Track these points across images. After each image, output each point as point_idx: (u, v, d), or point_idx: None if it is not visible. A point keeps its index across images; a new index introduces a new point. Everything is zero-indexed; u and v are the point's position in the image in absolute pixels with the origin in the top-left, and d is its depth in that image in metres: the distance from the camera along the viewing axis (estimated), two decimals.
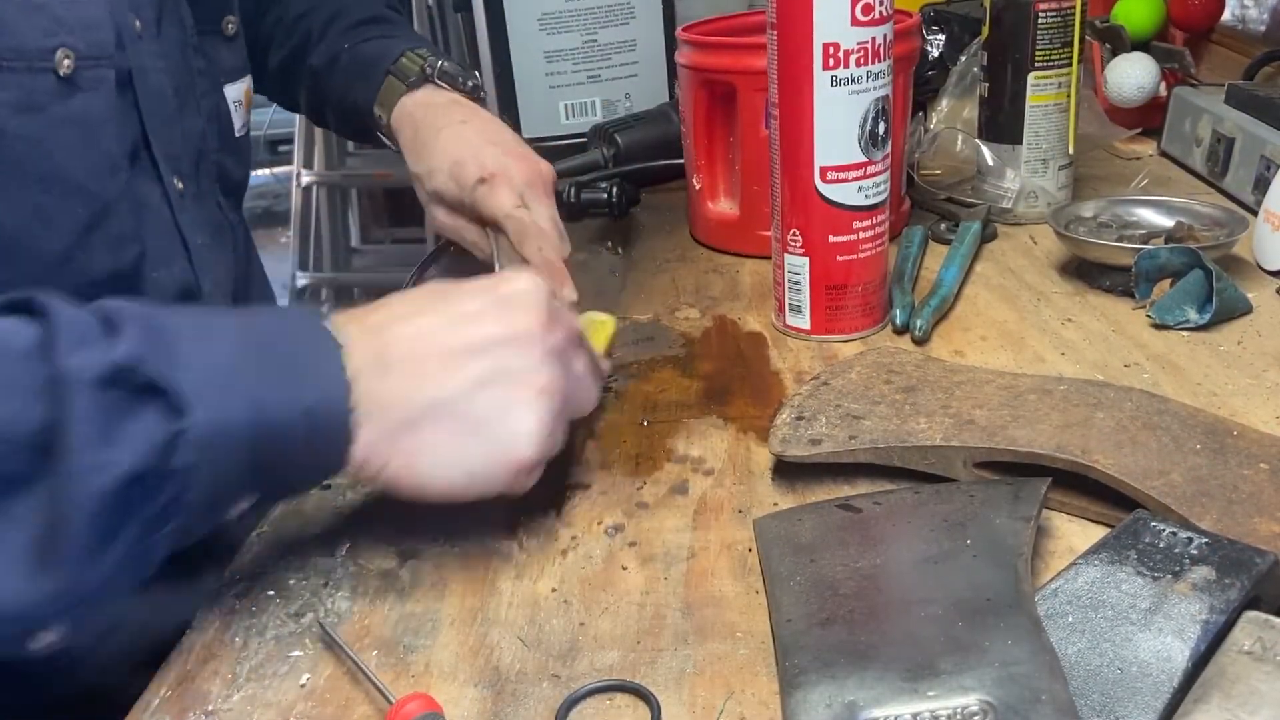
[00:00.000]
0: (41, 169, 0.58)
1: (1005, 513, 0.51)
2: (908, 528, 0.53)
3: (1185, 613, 0.43)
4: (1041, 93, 0.92)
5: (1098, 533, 0.54)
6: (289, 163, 3.33)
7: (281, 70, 0.95)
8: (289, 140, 3.33)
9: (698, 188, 0.98)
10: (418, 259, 1.04)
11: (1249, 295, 0.76)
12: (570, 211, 1.07)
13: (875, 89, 0.71)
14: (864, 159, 0.72)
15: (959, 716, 0.39)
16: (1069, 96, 0.93)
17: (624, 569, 0.55)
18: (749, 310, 0.84)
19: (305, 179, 3.13)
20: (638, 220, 1.08)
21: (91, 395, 0.42)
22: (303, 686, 0.48)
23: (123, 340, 0.43)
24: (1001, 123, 0.95)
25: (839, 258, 0.75)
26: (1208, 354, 0.71)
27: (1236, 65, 1.18)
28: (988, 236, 0.92)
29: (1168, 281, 0.77)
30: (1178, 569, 0.45)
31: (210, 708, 0.47)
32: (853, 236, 0.74)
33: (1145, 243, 0.82)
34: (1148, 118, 1.15)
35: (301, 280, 3.01)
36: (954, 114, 1.13)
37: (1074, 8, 0.90)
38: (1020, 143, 0.95)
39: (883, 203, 0.75)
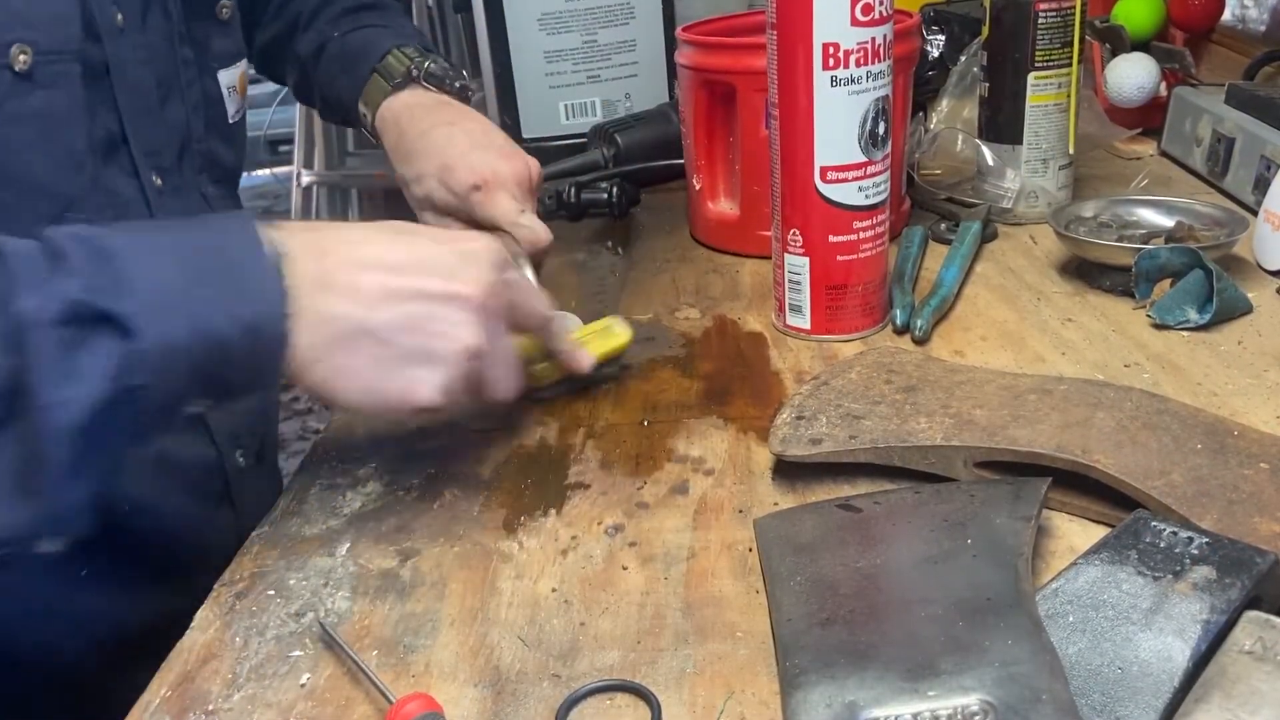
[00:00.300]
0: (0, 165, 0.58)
1: (1005, 512, 0.51)
2: (908, 527, 0.53)
3: (1186, 612, 0.43)
4: (1041, 93, 0.92)
5: (1098, 532, 0.54)
6: (289, 163, 3.33)
7: (266, 50, 0.94)
8: (289, 140, 3.33)
9: (698, 188, 0.98)
10: None
11: (1249, 295, 0.76)
12: (570, 212, 1.07)
13: (875, 89, 0.71)
14: (864, 159, 0.72)
15: (959, 716, 0.39)
16: (1069, 96, 0.93)
17: (624, 569, 0.55)
18: (749, 310, 0.84)
19: (305, 179, 3.13)
20: (638, 220, 1.08)
21: (49, 334, 0.44)
22: (303, 686, 0.48)
23: (72, 274, 0.46)
24: (1001, 123, 0.95)
25: (839, 258, 0.75)
26: (1208, 354, 0.71)
27: (1237, 65, 1.18)
28: (988, 236, 0.92)
29: (1168, 281, 0.77)
30: (1178, 569, 0.45)
31: (210, 707, 0.47)
32: (853, 236, 0.74)
33: (1145, 243, 0.82)
34: (1148, 118, 1.15)
35: None
36: (954, 114, 1.13)
37: (1074, 8, 0.90)
38: (1020, 143, 0.95)
39: (883, 203, 0.75)
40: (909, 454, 0.58)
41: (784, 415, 0.62)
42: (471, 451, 0.67)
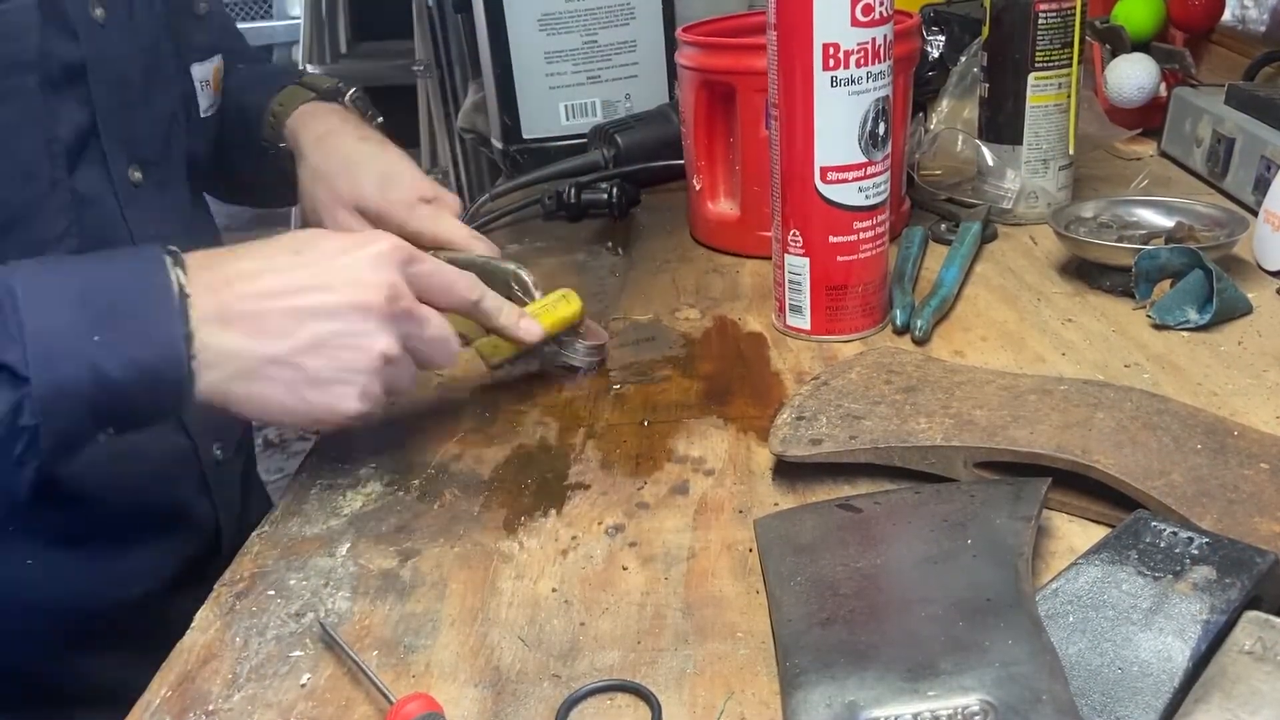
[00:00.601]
0: None
1: (1006, 513, 0.51)
2: (908, 528, 0.53)
3: (1186, 612, 0.43)
4: (1041, 93, 0.92)
5: (1098, 533, 0.54)
6: None
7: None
8: None
9: (698, 188, 0.98)
10: None
11: (1249, 295, 0.76)
12: (570, 212, 1.08)
13: (875, 89, 0.71)
14: (864, 159, 0.72)
15: (959, 716, 0.39)
16: (1069, 97, 0.93)
17: (624, 569, 0.55)
18: (749, 311, 0.84)
19: None
20: (638, 221, 1.08)
21: None
22: (303, 686, 0.48)
23: None
24: (1002, 123, 0.95)
25: (839, 258, 0.75)
26: (1208, 354, 0.71)
27: (1237, 66, 1.18)
28: (988, 237, 0.93)
29: (1168, 282, 0.77)
30: (1178, 569, 0.45)
31: (211, 707, 0.47)
32: (853, 237, 0.74)
33: (1145, 243, 0.82)
34: (1148, 118, 1.15)
35: None
36: (954, 114, 1.13)
37: (1074, 8, 0.90)
38: (1020, 143, 0.95)
39: (883, 203, 0.75)
40: (909, 454, 0.58)
41: (784, 415, 0.62)
42: (471, 451, 0.67)
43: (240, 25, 1.08)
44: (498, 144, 1.25)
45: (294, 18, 3.41)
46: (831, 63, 0.69)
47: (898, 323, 0.77)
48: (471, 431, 0.69)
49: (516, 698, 0.47)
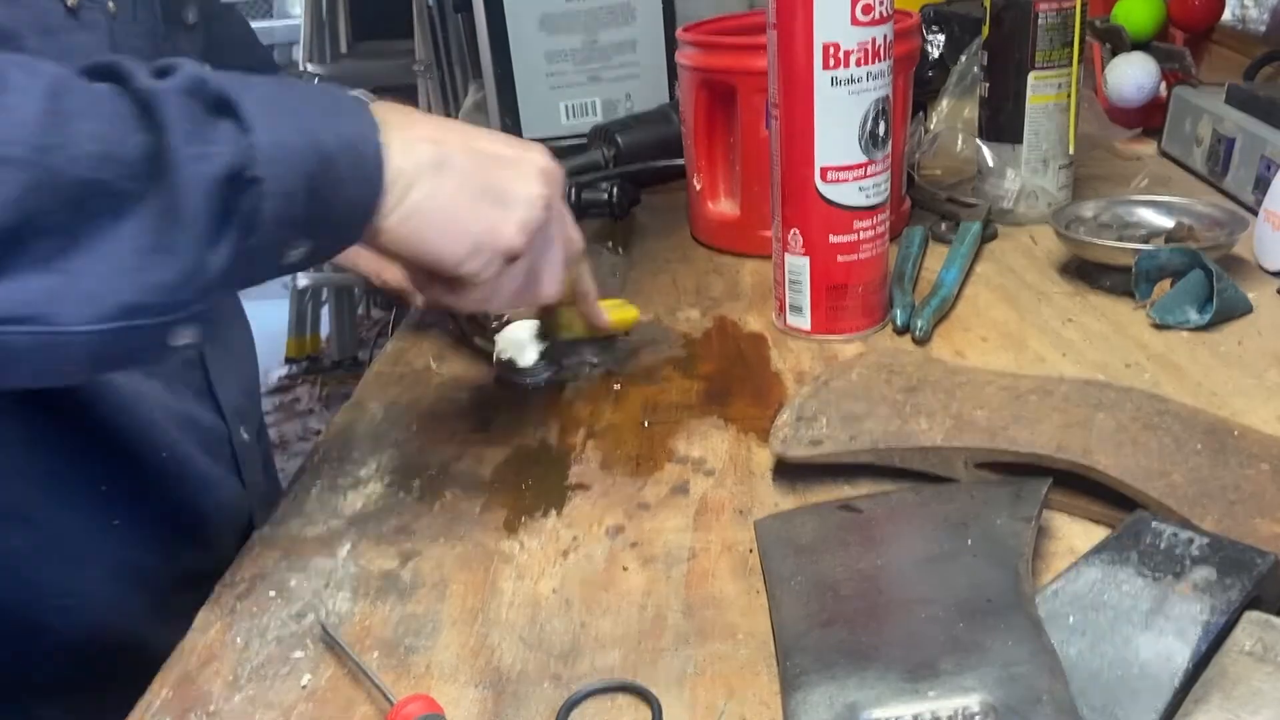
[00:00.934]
0: None
1: (1006, 513, 0.51)
2: (909, 528, 0.53)
3: (1186, 613, 0.43)
4: (1042, 93, 0.92)
5: (1099, 533, 0.54)
6: None
7: None
8: None
9: (698, 188, 0.98)
10: None
11: (1249, 295, 0.76)
12: (571, 212, 1.07)
13: (875, 89, 0.71)
14: (864, 159, 0.72)
15: (960, 717, 0.39)
16: (1069, 96, 0.93)
17: (625, 570, 0.55)
18: (750, 310, 0.84)
19: None
20: (638, 221, 1.08)
21: (179, 100, 0.46)
22: (304, 687, 0.48)
23: (185, 68, 0.48)
24: (1002, 123, 0.95)
25: (839, 258, 0.75)
26: (1208, 354, 0.71)
27: (1237, 65, 1.18)
28: (988, 237, 0.92)
29: (1168, 281, 0.77)
30: (1179, 569, 0.45)
31: (212, 708, 0.47)
32: (853, 236, 0.74)
33: (1146, 243, 0.82)
34: (1148, 118, 1.15)
35: (303, 281, 3.01)
36: (954, 114, 1.13)
37: (1074, 8, 0.90)
38: (1020, 143, 0.95)
39: (883, 203, 0.75)
40: (910, 455, 0.58)
41: (784, 416, 0.62)
42: (472, 452, 0.67)
43: None
44: None
45: (294, 17, 3.41)
46: (831, 62, 0.69)
47: (898, 323, 0.77)
48: (472, 432, 0.69)
49: (517, 698, 0.47)
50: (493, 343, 0.75)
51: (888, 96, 0.72)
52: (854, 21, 0.69)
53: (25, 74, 0.44)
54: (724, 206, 0.97)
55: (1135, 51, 1.13)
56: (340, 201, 0.51)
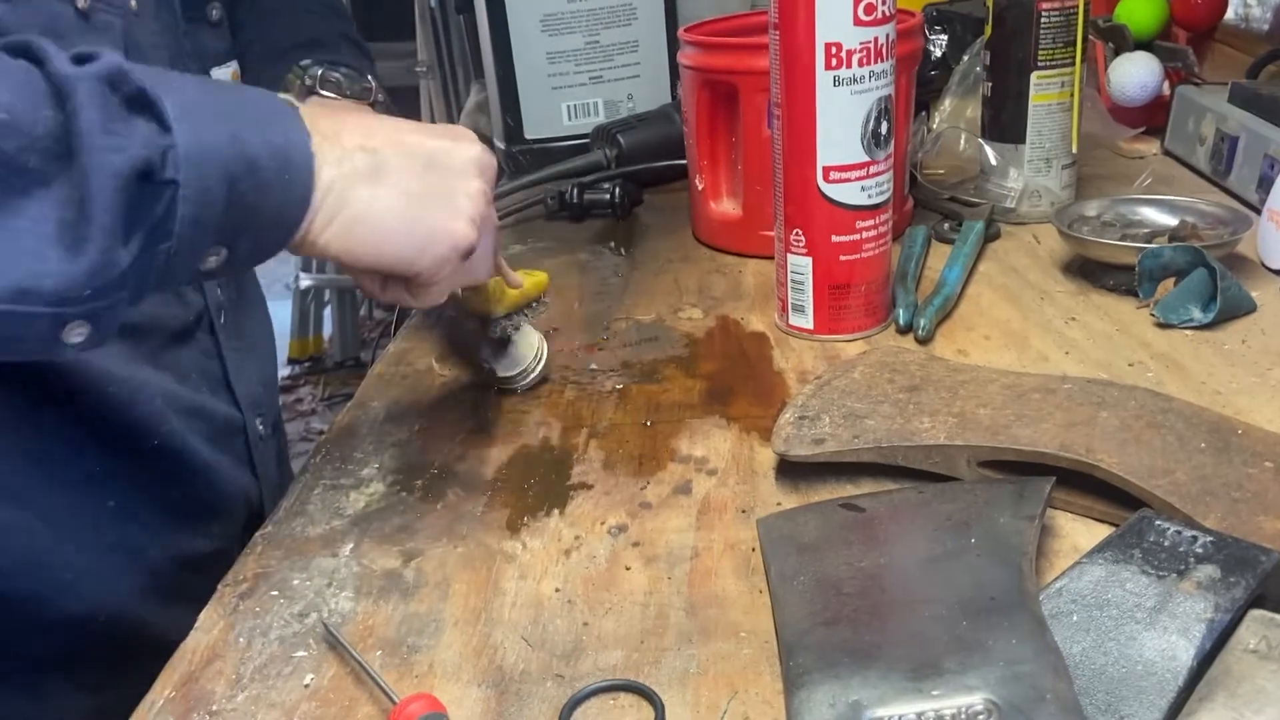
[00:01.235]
0: None
1: (1009, 512, 0.51)
2: (911, 527, 0.53)
3: (1190, 611, 0.43)
4: (1044, 92, 0.92)
5: (1102, 531, 0.54)
6: None
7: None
8: None
9: (700, 188, 0.98)
10: None
11: (1253, 294, 0.76)
12: (573, 212, 1.08)
13: (878, 89, 0.71)
14: (867, 159, 0.72)
15: (963, 716, 0.39)
16: (1072, 96, 0.93)
17: (627, 569, 0.55)
18: (752, 310, 0.84)
19: None
20: (640, 221, 1.08)
21: (93, 90, 0.44)
22: (306, 687, 0.48)
23: (106, 57, 0.46)
24: (1004, 122, 0.95)
25: (842, 257, 0.75)
26: (1212, 352, 0.71)
27: (1240, 64, 1.17)
28: (991, 236, 0.92)
29: (1171, 280, 0.77)
30: (1182, 567, 0.45)
31: (214, 708, 0.47)
32: (856, 236, 0.74)
33: (1149, 242, 0.81)
34: (1151, 117, 1.15)
35: (305, 281, 3.01)
36: (957, 113, 1.13)
37: (1077, 7, 0.90)
38: (1023, 142, 0.94)
39: (886, 202, 0.75)
40: (912, 453, 0.58)
41: (787, 415, 0.62)
42: (474, 452, 0.67)
43: None
44: (500, 144, 1.25)
45: None
46: (834, 62, 0.69)
47: (901, 322, 0.77)
48: (474, 432, 0.69)
49: (520, 698, 0.46)
50: (487, 362, 0.74)
51: (890, 96, 0.72)
52: (856, 21, 0.69)
53: None
54: (726, 206, 0.97)
55: (1138, 50, 1.13)
56: (264, 210, 0.49)
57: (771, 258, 0.80)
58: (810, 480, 0.60)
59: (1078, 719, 0.38)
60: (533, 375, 0.73)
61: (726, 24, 0.99)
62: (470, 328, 0.72)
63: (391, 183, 0.53)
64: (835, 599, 0.47)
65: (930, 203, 1.01)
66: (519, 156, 1.23)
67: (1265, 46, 1.17)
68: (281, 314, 3.07)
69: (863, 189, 0.73)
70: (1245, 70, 1.14)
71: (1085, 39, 0.92)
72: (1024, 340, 0.75)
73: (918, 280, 0.84)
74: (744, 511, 0.58)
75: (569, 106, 1.23)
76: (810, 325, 0.77)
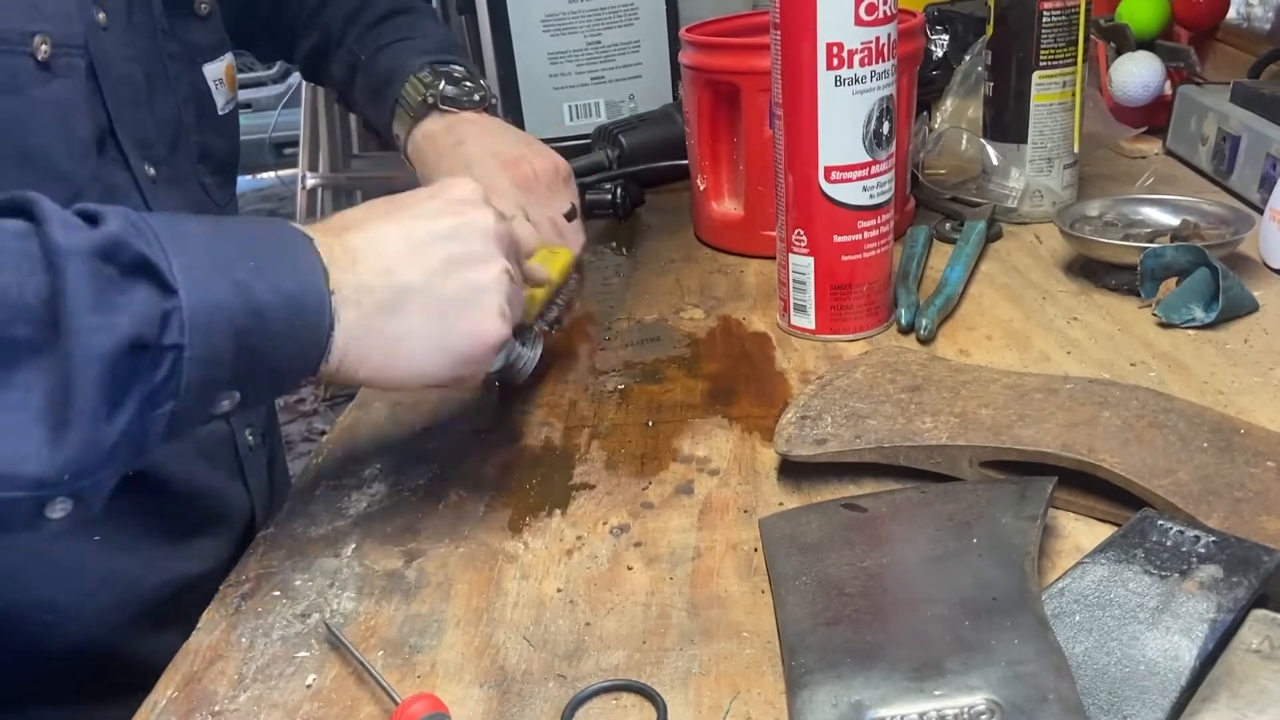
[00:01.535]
0: (24, 147, 0.59)
1: (1011, 512, 0.51)
2: (913, 527, 0.53)
3: (1193, 611, 0.43)
4: (1046, 92, 0.92)
5: (1104, 531, 0.54)
6: (294, 165, 3.34)
7: (308, 62, 0.95)
8: (294, 143, 3.33)
9: (702, 188, 0.98)
10: None
11: (1255, 293, 0.76)
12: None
13: (879, 89, 0.71)
14: (868, 159, 0.72)
15: (966, 716, 0.39)
16: (1074, 95, 0.93)
17: (629, 569, 0.55)
18: (754, 310, 0.84)
19: (310, 181, 3.13)
20: (642, 221, 1.08)
21: (86, 265, 0.43)
22: (309, 687, 0.48)
23: (107, 224, 0.45)
24: (1006, 122, 0.95)
25: (844, 257, 0.75)
26: (1214, 352, 0.71)
27: (1242, 63, 1.17)
28: (993, 236, 0.92)
29: (1173, 280, 0.77)
30: (1185, 567, 0.45)
31: (217, 708, 0.47)
32: (857, 236, 0.74)
33: (1151, 241, 0.81)
34: (1153, 116, 1.15)
35: None
36: (959, 113, 1.13)
37: (1078, 6, 0.89)
38: (1025, 142, 0.94)
39: (887, 202, 0.75)
40: (914, 453, 0.58)
41: (789, 415, 0.62)
42: (477, 452, 0.67)
43: None
44: None
45: None
46: (835, 62, 0.69)
47: (902, 322, 0.77)
48: (476, 432, 0.69)
49: (522, 698, 0.47)
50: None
51: (892, 96, 0.72)
52: (858, 21, 0.69)
53: None
54: (728, 206, 0.97)
55: (1140, 50, 1.13)
56: (277, 358, 0.49)
57: (773, 258, 0.80)
58: (812, 480, 0.60)
59: (1080, 719, 0.38)
60: (526, 361, 0.73)
61: (728, 24, 0.99)
62: None
63: (417, 306, 0.52)
64: (837, 599, 0.47)
65: (932, 203, 1.01)
66: None
67: (1267, 46, 1.17)
68: None
69: (864, 189, 0.73)
70: (1247, 70, 1.13)
71: (1087, 39, 0.92)
72: (1026, 340, 0.75)
73: (919, 280, 0.84)
74: (746, 511, 0.58)
75: (570, 107, 1.23)
76: (812, 325, 0.77)
